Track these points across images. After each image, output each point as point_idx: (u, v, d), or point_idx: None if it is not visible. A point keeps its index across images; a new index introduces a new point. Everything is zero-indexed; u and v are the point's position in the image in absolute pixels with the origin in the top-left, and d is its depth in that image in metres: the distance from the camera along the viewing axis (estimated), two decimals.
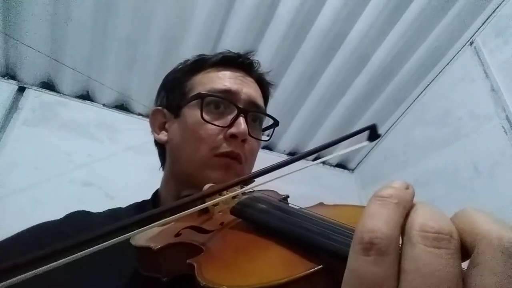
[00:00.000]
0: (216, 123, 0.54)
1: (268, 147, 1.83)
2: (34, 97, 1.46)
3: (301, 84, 1.59)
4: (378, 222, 0.18)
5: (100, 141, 1.48)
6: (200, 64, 0.61)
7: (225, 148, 0.53)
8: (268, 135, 0.65)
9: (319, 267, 0.23)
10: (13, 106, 1.41)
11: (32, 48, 1.31)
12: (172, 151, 0.59)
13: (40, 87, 1.48)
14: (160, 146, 0.64)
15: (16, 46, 1.34)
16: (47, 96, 1.48)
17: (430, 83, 1.61)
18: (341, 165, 1.99)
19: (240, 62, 0.61)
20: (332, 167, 1.96)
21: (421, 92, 1.64)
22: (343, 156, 1.94)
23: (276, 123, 0.64)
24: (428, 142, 1.53)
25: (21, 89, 1.45)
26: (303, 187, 1.73)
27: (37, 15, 1.27)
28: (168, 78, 0.66)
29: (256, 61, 0.64)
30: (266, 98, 0.67)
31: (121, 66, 1.45)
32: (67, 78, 1.46)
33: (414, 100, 1.68)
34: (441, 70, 1.56)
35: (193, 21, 1.34)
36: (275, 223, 0.30)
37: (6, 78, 1.44)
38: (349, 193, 1.88)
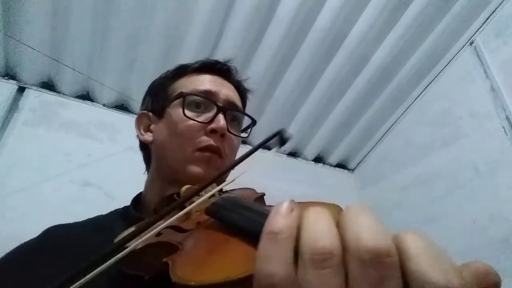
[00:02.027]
0: (197, 119, 0.58)
1: (268, 147, 1.82)
2: (34, 97, 1.46)
3: (301, 84, 1.59)
4: (274, 265, 0.19)
5: (100, 141, 1.48)
6: (182, 70, 0.66)
7: (206, 142, 0.57)
8: (246, 133, 0.69)
9: None
10: (13, 106, 1.41)
11: (32, 48, 1.31)
12: (157, 150, 0.62)
13: (40, 87, 1.49)
14: (145, 149, 0.67)
15: (16, 46, 1.34)
16: (47, 96, 1.48)
17: (430, 83, 1.61)
18: (341, 165, 1.99)
19: (218, 68, 0.66)
20: (332, 167, 1.96)
21: (421, 92, 1.65)
22: (343, 156, 1.94)
23: (253, 122, 0.67)
24: (428, 142, 1.53)
25: (21, 89, 1.45)
26: (303, 187, 1.73)
27: (37, 15, 1.27)
28: (153, 85, 0.71)
29: (234, 68, 0.68)
30: (244, 102, 0.71)
31: (121, 66, 1.45)
32: (67, 78, 1.46)
33: (414, 100, 1.68)
34: (441, 70, 1.56)
35: (193, 21, 1.34)
36: (243, 223, 0.32)
37: (6, 78, 1.45)
38: (349, 193, 1.88)
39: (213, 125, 0.57)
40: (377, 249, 0.18)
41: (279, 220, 0.21)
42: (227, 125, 0.58)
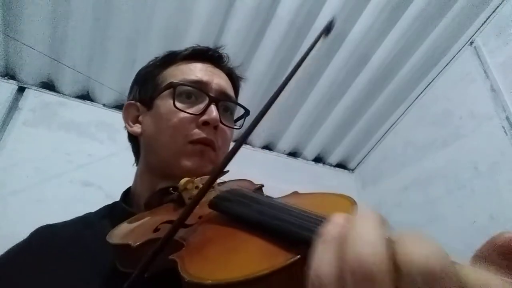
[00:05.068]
0: (188, 111, 0.55)
1: (268, 147, 1.82)
2: (34, 97, 1.46)
3: (301, 84, 1.59)
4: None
5: (100, 141, 1.48)
6: (171, 58, 0.63)
7: (198, 134, 0.54)
8: (240, 126, 0.66)
9: (298, 257, 0.23)
10: (13, 106, 1.41)
11: (32, 48, 1.31)
12: (147, 143, 0.59)
13: (40, 87, 1.48)
14: (134, 140, 0.64)
15: (16, 46, 1.34)
16: (47, 96, 1.48)
17: (430, 83, 1.61)
18: (341, 165, 1.99)
19: (209, 55, 0.63)
20: (332, 167, 1.96)
21: (421, 92, 1.64)
22: (343, 156, 1.94)
23: (247, 112, 0.65)
24: (428, 142, 1.53)
25: (21, 89, 1.45)
26: (303, 187, 1.73)
27: (37, 15, 1.27)
28: (140, 73, 0.68)
29: (226, 54, 0.65)
30: (236, 91, 0.68)
31: (121, 66, 1.45)
32: (67, 78, 1.46)
33: (414, 100, 1.68)
34: (441, 70, 1.56)
35: (193, 21, 1.34)
36: (252, 216, 0.30)
37: (6, 78, 1.44)
38: (349, 193, 1.85)
39: (205, 117, 0.54)
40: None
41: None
42: (219, 117, 0.55)
